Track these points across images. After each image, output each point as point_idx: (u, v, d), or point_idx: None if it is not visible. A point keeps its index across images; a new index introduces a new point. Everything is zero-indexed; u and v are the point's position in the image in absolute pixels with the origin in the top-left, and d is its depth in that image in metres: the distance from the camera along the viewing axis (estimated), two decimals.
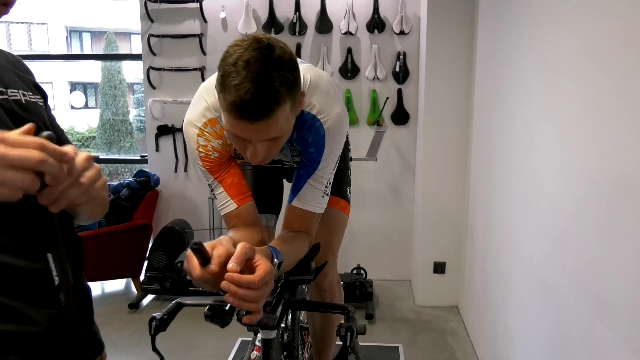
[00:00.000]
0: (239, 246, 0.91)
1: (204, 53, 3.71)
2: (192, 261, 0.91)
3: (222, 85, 0.97)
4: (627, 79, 1.22)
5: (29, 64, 0.97)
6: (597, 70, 1.39)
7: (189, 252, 0.92)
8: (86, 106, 14.05)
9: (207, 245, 0.93)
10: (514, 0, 2.18)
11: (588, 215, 1.42)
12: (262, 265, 0.92)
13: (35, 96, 0.89)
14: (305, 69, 1.26)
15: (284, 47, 1.00)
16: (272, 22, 3.58)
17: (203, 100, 1.24)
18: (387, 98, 3.50)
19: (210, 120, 1.23)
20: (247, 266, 0.92)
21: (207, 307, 1.00)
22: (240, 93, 0.94)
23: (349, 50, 3.59)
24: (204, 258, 0.91)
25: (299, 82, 1.04)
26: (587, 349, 1.40)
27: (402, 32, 3.52)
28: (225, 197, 1.27)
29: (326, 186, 1.30)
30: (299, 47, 3.61)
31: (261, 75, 0.94)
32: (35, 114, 0.86)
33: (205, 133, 1.24)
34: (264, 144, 1.06)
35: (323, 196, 1.30)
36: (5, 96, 0.82)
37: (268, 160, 1.15)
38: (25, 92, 0.86)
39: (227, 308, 1.00)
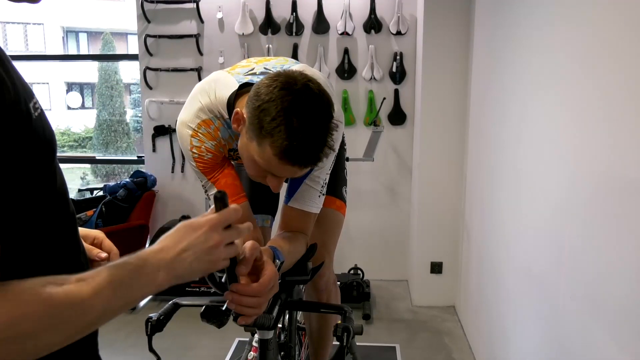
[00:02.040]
0: (249, 246, 0.91)
1: (200, 53, 3.70)
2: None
3: (271, 132, 0.96)
4: (622, 79, 1.23)
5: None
6: (592, 71, 1.40)
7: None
8: (83, 106, 14.01)
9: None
10: (510, 1, 2.19)
11: (584, 216, 1.43)
12: (267, 270, 0.93)
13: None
14: (301, 69, 1.26)
15: (323, 89, 1.02)
16: (268, 23, 3.58)
17: (197, 101, 1.24)
18: (384, 98, 3.50)
19: (204, 122, 1.23)
20: (253, 266, 0.93)
21: (204, 307, 1.00)
22: (296, 145, 0.96)
23: (346, 51, 3.60)
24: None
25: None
26: (583, 349, 1.41)
27: (398, 33, 3.53)
28: None
29: (322, 186, 1.30)
30: (295, 47, 3.61)
31: (323, 135, 0.99)
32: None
33: (199, 134, 1.24)
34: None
35: (319, 196, 1.30)
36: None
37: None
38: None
39: (223, 308, 1.00)
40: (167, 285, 0.74)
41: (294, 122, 0.95)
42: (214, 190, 1.27)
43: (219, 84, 1.25)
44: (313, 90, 0.98)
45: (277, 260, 1.06)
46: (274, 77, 1.00)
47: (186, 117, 1.26)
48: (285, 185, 1.41)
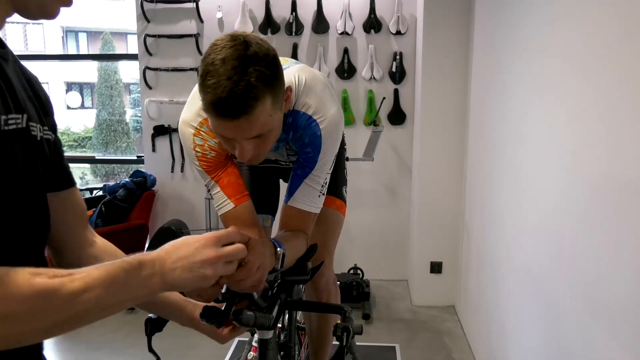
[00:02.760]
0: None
1: (200, 53, 3.70)
2: None
3: (201, 86, 0.98)
4: (623, 80, 1.23)
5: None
6: (592, 71, 1.40)
7: None
8: (82, 106, 14.00)
9: None
10: (510, 0, 2.18)
11: (584, 216, 1.43)
12: (254, 247, 0.92)
13: (46, 130, 0.84)
14: (300, 70, 1.26)
15: (261, 43, 1.00)
16: (268, 22, 3.57)
17: (198, 99, 1.24)
18: (384, 98, 3.50)
19: (206, 119, 1.23)
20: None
21: (203, 307, 1.00)
22: (217, 91, 0.95)
23: (346, 51, 3.59)
24: None
25: (278, 77, 1.04)
26: (583, 349, 1.41)
27: (398, 32, 3.52)
28: (222, 196, 1.27)
29: (322, 186, 1.30)
30: (295, 47, 3.61)
31: (237, 72, 0.95)
32: (44, 154, 0.81)
33: (201, 132, 1.24)
34: (251, 142, 1.06)
35: (319, 196, 1.30)
36: (40, 133, 0.79)
37: (261, 159, 1.15)
38: (41, 126, 0.81)
39: (222, 308, 1.00)
40: (160, 291, 0.76)
41: (210, 74, 0.96)
42: (217, 190, 1.27)
43: None
44: (249, 44, 0.97)
45: (280, 249, 1.05)
46: (222, 37, 1.01)
47: (188, 116, 1.26)
48: (285, 185, 1.41)
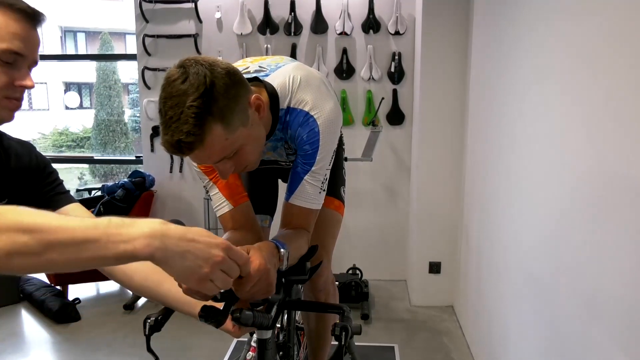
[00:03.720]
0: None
1: (199, 53, 3.69)
2: None
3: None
4: (617, 82, 1.23)
5: None
6: (593, 70, 1.40)
7: None
8: (81, 106, 13.99)
9: None
10: (509, 1, 2.19)
11: (582, 216, 1.43)
12: (254, 261, 0.94)
13: None
14: (294, 68, 1.26)
15: (199, 69, 0.97)
16: (267, 23, 3.58)
17: None
18: (383, 98, 3.50)
19: None
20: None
21: (202, 307, 1.00)
22: (165, 135, 0.98)
23: (344, 51, 3.60)
24: None
25: (225, 99, 1.00)
26: (581, 349, 1.41)
27: (397, 33, 3.53)
28: (220, 198, 1.27)
29: (323, 182, 1.30)
30: (294, 47, 3.61)
31: (175, 112, 0.96)
32: None
33: None
34: (225, 162, 1.08)
35: (320, 192, 1.30)
36: None
37: (254, 167, 1.15)
38: None
39: (221, 308, 1.00)
40: (148, 252, 0.70)
41: (160, 112, 0.99)
42: (215, 191, 1.27)
43: None
44: (186, 76, 0.97)
45: (282, 250, 1.06)
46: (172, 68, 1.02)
47: None
48: (283, 185, 1.40)
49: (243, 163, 1.11)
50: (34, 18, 0.97)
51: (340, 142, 1.54)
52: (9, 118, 0.98)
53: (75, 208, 1.10)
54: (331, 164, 1.31)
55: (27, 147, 1.13)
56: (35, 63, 1.00)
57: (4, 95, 0.95)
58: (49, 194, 1.08)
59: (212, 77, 0.98)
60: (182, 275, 0.75)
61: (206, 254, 0.75)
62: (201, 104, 0.96)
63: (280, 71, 1.24)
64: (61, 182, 1.14)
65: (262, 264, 0.95)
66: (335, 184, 1.62)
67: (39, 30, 0.99)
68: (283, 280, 1.20)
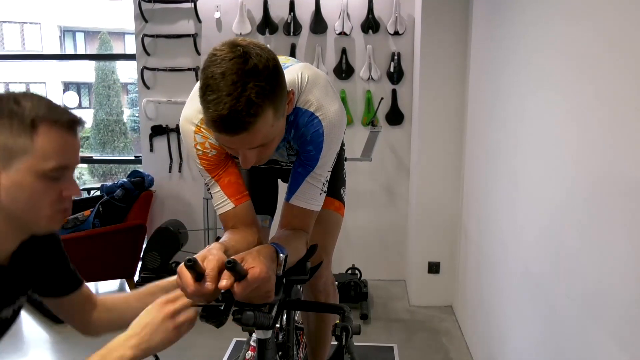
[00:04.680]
0: (209, 262, 0.94)
1: (198, 53, 3.70)
2: (184, 277, 0.92)
3: (202, 100, 0.98)
4: (623, 79, 1.23)
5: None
6: (591, 70, 1.40)
7: (180, 267, 0.93)
8: (80, 106, 13.98)
9: (198, 257, 0.94)
10: (508, 1, 2.19)
11: (581, 216, 1.43)
12: (254, 267, 0.95)
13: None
14: (303, 67, 1.26)
15: (261, 52, 0.98)
16: (266, 23, 3.57)
17: (198, 97, 1.24)
18: (382, 98, 3.50)
19: None
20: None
21: (202, 307, 1.00)
22: (218, 108, 0.94)
23: (344, 51, 3.60)
24: (198, 273, 0.92)
25: (280, 87, 1.02)
26: (580, 348, 1.41)
27: (396, 33, 3.53)
28: (222, 196, 1.27)
29: (324, 184, 1.29)
30: (293, 47, 3.61)
31: (236, 88, 0.94)
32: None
33: (202, 130, 1.23)
34: (254, 150, 1.07)
35: (321, 194, 1.30)
36: None
37: (264, 161, 1.15)
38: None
39: (222, 308, 1.00)
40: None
41: (210, 88, 0.95)
42: (217, 189, 1.27)
43: None
44: (248, 56, 0.96)
45: (281, 255, 1.06)
46: (220, 43, 1.00)
47: (189, 113, 1.25)
48: (283, 186, 1.40)
49: (263, 155, 1.11)
50: (75, 126, 0.98)
51: (341, 143, 1.54)
52: (58, 227, 1.03)
53: (83, 292, 1.24)
54: (332, 166, 1.31)
55: (55, 240, 1.17)
56: (77, 163, 1.02)
57: (56, 210, 0.97)
58: (64, 283, 1.20)
59: (273, 63, 0.99)
60: (166, 343, 0.96)
61: (156, 322, 0.94)
62: (265, 88, 0.96)
63: (289, 70, 1.23)
64: (74, 269, 1.24)
65: (262, 271, 0.95)
66: (335, 185, 1.61)
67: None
68: (284, 280, 1.20)
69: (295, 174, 1.28)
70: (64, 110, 0.97)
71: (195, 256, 0.92)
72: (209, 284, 0.91)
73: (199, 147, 1.24)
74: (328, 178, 1.31)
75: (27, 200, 0.92)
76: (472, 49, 2.95)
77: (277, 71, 1.01)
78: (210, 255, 0.95)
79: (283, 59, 1.34)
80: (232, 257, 0.93)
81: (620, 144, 1.22)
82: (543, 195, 1.73)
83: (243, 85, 0.94)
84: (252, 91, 0.94)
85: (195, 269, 0.91)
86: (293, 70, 1.24)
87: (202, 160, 1.25)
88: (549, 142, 1.69)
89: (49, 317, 3.17)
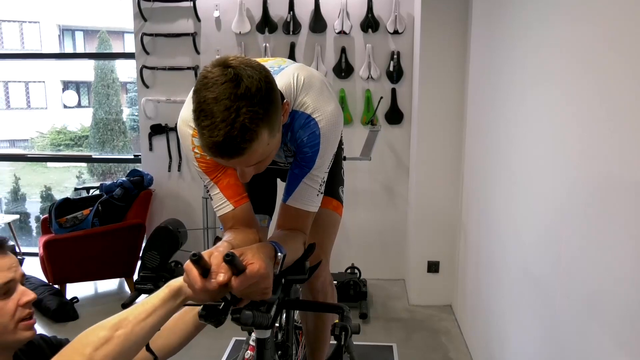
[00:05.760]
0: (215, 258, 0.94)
1: (197, 52, 3.69)
2: (192, 274, 0.92)
3: (196, 124, 0.96)
4: (622, 78, 1.23)
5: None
6: (592, 69, 1.40)
7: (187, 264, 0.92)
8: (79, 105, 13.95)
9: (204, 254, 0.93)
10: (507, 0, 2.19)
11: (581, 216, 1.43)
12: (254, 263, 0.94)
13: None
14: (298, 69, 1.25)
15: (252, 73, 0.96)
16: (265, 21, 3.57)
17: None
18: (381, 97, 3.50)
19: None
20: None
21: (202, 306, 1.00)
22: (212, 134, 0.93)
23: (343, 50, 3.59)
24: (204, 269, 0.91)
25: (274, 105, 1.01)
26: (580, 347, 1.41)
27: (396, 32, 3.52)
28: (222, 198, 1.26)
29: (321, 185, 1.29)
30: (292, 46, 3.60)
31: (230, 114, 0.93)
32: None
33: None
34: (251, 166, 1.07)
35: (318, 195, 1.30)
36: None
37: (262, 170, 1.15)
38: None
39: (221, 307, 1.00)
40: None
41: (204, 113, 0.94)
42: (216, 191, 1.27)
43: None
44: (240, 78, 0.94)
45: (279, 254, 1.05)
46: (211, 62, 0.99)
47: (187, 116, 1.24)
48: (282, 185, 1.40)
49: (261, 168, 1.11)
50: (2, 246, 1.07)
51: (340, 142, 1.54)
52: (32, 335, 1.09)
53: None
54: (329, 167, 1.31)
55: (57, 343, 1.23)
56: (23, 277, 1.11)
57: (18, 320, 1.05)
58: None
59: (265, 83, 0.98)
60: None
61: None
62: (259, 110, 0.95)
63: (284, 72, 1.23)
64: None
65: (261, 267, 0.95)
66: (333, 184, 1.61)
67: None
68: (283, 280, 1.20)
69: (293, 175, 1.28)
70: None
71: (202, 253, 0.92)
72: (214, 281, 0.91)
73: (197, 150, 1.23)
74: (325, 179, 1.31)
75: None
76: (471, 48, 2.95)
77: (270, 91, 0.99)
78: (216, 252, 0.95)
79: (279, 61, 1.34)
80: (232, 250, 0.93)
81: (621, 145, 1.21)
82: (543, 194, 1.73)
83: (236, 110, 0.93)
84: (245, 116, 0.93)
85: (200, 264, 0.90)
86: (288, 72, 1.23)
87: (200, 163, 1.25)
88: (549, 141, 1.69)
89: (48, 316, 3.17)
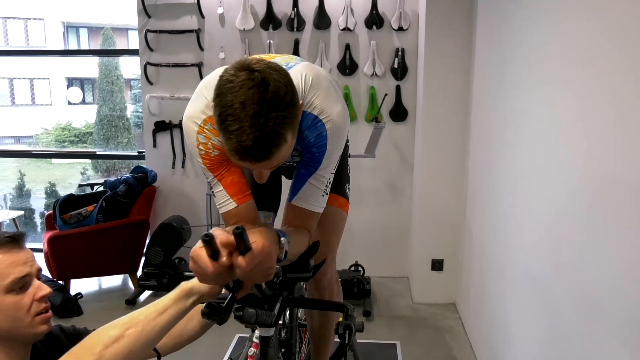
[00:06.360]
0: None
1: (201, 49, 3.69)
2: (202, 259, 0.92)
3: (222, 128, 0.96)
4: (620, 83, 1.22)
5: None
6: (599, 69, 1.38)
7: (195, 251, 0.92)
8: (83, 102, 13.98)
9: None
10: None
11: (585, 215, 1.42)
12: (256, 241, 0.94)
13: None
14: (305, 68, 1.24)
15: (279, 77, 0.97)
16: (269, 18, 3.56)
17: (203, 96, 1.22)
18: (386, 94, 3.49)
19: (210, 118, 1.21)
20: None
21: (205, 304, 0.99)
22: (240, 139, 0.94)
23: (347, 47, 3.58)
24: (213, 250, 0.91)
25: (297, 109, 1.02)
26: (584, 346, 1.40)
27: (400, 29, 3.51)
28: (225, 195, 1.26)
29: (326, 185, 1.29)
30: (297, 43, 3.59)
31: (259, 119, 0.93)
32: None
33: (205, 130, 1.22)
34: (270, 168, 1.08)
35: (323, 195, 1.29)
36: None
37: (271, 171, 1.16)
38: None
39: (224, 305, 1.00)
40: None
41: (231, 117, 0.94)
42: (220, 188, 1.26)
43: None
44: (267, 82, 0.95)
45: (283, 238, 1.05)
46: (232, 65, 0.98)
47: (192, 113, 1.24)
48: (287, 182, 1.39)
49: (275, 168, 1.12)
50: (18, 240, 1.08)
51: (346, 140, 1.53)
52: (48, 329, 1.11)
53: None
54: (336, 168, 1.30)
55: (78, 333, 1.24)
56: (39, 271, 1.12)
57: (34, 314, 1.07)
58: None
59: (290, 86, 0.99)
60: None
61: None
62: (286, 115, 0.96)
63: (292, 71, 1.22)
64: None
65: (265, 245, 0.94)
66: (340, 182, 1.60)
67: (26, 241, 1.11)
68: (287, 275, 1.19)
69: (299, 175, 1.28)
70: (6, 233, 1.09)
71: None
72: (225, 258, 0.91)
73: (201, 147, 1.23)
74: (331, 180, 1.30)
75: (6, 317, 1.03)
76: (477, 45, 2.93)
77: (293, 95, 1.01)
78: (220, 235, 0.94)
79: (286, 58, 1.33)
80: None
81: (625, 145, 1.21)
82: (547, 193, 1.72)
83: (266, 115, 0.94)
84: (275, 121, 0.94)
85: (211, 245, 0.90)
86: (296, 71, 1.22)
87: (204, 160, 1.24)
88: (553, 140, 1.68)
89: (52, 311, 3.17)
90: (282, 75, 0.99)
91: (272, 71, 0.97)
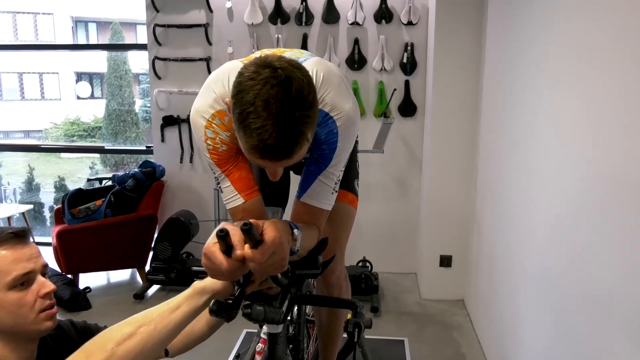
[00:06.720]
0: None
1: (209, 43, 3.68)
2: (216, 255, 0.92)
3: (242, 125, 0.95)
4: (630, 83, 1.20)
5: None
6: (610, 65, 1.36)
7: (208, 247, 0.93)
8: (92, 96, 14.04)
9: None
10: None
11: (596, 212, 1.40)
12: (269, 233, 0.94)
13: None
14: (316, 63, 1.23)
15: (301, 75, 0.96)
16: (278, 12, 3.54)
17: (211, 91, 1.21)
18: (395, 90, 3.46)
19: (218, 112, 1.20)
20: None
21: (213, 301, 0.99)
22: (263, 137, 0.93)
23: (356, 41, 3.55)
24: (227, 246, 0.91)
25: (316, 107, 1.02)
26: (594, 343, 1.39)
27: (409, 23, 3.48)
28: (232, 191, 1.25)
29: (336, 183, 1.28)
30: (305, 37, 3.57)
31: (282, 118, 0.92)
32: None
33: (213, 125, 1.21)
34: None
35: (332, 193, 1.28)
36: None
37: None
38: None
39: (232, 302, 0.99)
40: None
41: (252, 115, 0.92)
42: (227, 184, 1.25)
43: (234, 73, 1.22)
44: (291, 81, 0.94)
45: (296, 230, 1.04)
46: (253, 62, 0.97)
47: (200, 107, 1.23)
48: (295, 177, 1.38)
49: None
50: (22, 236, 1.08)
51: (356, 137, 1.51)
52: (54, 325, 1.10)
53: None
54: (345, 165, 1.29)
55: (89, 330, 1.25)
56: (45, 267, 1.12)
57: (39, 310, 1.06)
58: None
59: (311, 85, 0.99)
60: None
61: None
62: (309, 114, 0.96)
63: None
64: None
65: (277, 236, 0.94)
66: (349, 178, 1.59)
67: (31, 239, 1.11)
68: (296, 272, 1.18)
69: (308, 172, 1.26)
70: (4, 229, 1.09)
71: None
72: (238, 252, 0.91)
73: (209, 142, 1.22)
74: (340, 177, 1.29)
75: (9, 314, 1.03)
76: (487, 41, 2.90)
77: (314, 93, 1.00)
78: (232, 230, 0.94)
79: (296, 53, 1.32)
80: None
81: (636, 142, 1.18)
82: (558, 190, 1.70)
83: (290, 114, 0.93)
84: (298, 120, 0.94)
85: (226, 240, 0.90)
86: (308, 67, 1.21)
87: (212, 154, 1.23)
88: (564, 137, 1.65)
89: (61, 305, 3.19)
90: (304, 74, 0.98)
91: (295, 69, 0.96)
